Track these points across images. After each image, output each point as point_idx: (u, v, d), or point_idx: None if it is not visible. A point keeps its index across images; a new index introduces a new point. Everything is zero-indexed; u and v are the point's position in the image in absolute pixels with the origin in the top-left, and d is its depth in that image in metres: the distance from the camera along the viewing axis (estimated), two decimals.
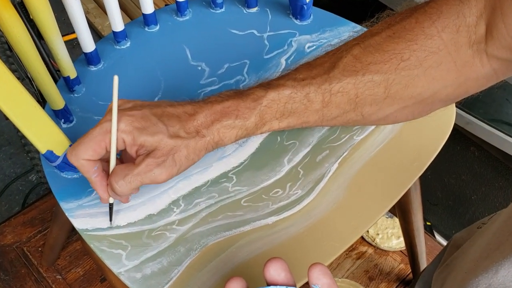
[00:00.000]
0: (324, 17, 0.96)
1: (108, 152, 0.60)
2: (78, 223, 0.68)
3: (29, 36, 0.66)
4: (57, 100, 0.75)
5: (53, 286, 1.29)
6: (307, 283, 0.43)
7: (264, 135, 0.78)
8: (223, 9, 0.97)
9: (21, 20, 0.64)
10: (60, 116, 0.77)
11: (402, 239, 1.37)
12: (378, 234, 1.40)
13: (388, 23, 0.61)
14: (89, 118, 0.79)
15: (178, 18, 0.96)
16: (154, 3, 0.91)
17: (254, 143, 0.78)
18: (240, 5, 0.98)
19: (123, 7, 2.01)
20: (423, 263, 1.26)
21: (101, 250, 0.66)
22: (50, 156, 0.68)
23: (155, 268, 0.65)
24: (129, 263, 0.65)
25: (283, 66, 0.87)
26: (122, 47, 0.90)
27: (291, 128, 0.65)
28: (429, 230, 1.56)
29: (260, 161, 0.76)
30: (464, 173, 1.53)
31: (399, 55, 0.58)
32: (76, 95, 0.82)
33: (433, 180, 1.62)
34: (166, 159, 0.58)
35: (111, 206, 0.67)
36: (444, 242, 1.54)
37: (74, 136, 0.72)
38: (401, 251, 1.41)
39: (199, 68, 0.87)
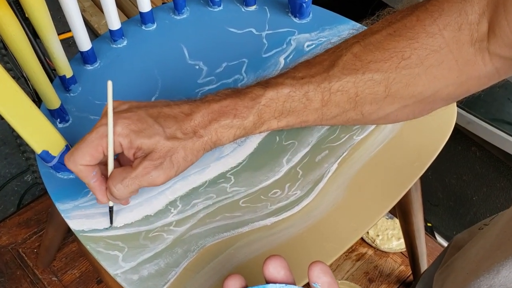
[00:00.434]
0: (324, 16, 0.96)
1: (106, 156, 0.60)
2: (74, 224, 0.68)
3: (25, 34, 0.66)
4: (53, 99, 0.75)
5: None
6: (307, 284, 0.43)
7: (263, 135, 0.78)
8: (221, 7, 0.97)
9: (17, 19, 0.64)
10: (56, 115, 0.77)
11: (402, 240, 1.38)
12: (378, 235, 1.40)
13: (388, 21, 0.61)
14: (85, 118, 0.79)
15: (175, 17, 0.96)
16: (151, 1, 0.91)
17: (253, 143, 0.78)
18: (238, 3, 0.98)
19: (119, 5, 2.01)
20: (424, 264, 1.26)
21: (98, 251, 0.66)
22: (46, 156, 0.68)
23: (152, 270, 0.65)
24: (126, 265, 0.65)
25: (282, 65, 0.87)
26: (119, 46, 0.90)
27: (290, 127, 0.65)
28: (429, 231, 1.56)
29: (259, 162, 0.76)
30: (465, 173, 1.53)
31: (399, 53, 0.58)
32: (72, 94, 0.82)
33: (434, 180, 1.62)
34: (163, 161, 0.58)
35: (111, 209, 0.67)
36: (445, 243, 1.54)
37: (70, 136, 0.72)
38: (401, 252, 1.41)
39: (197, 67, 0.87)
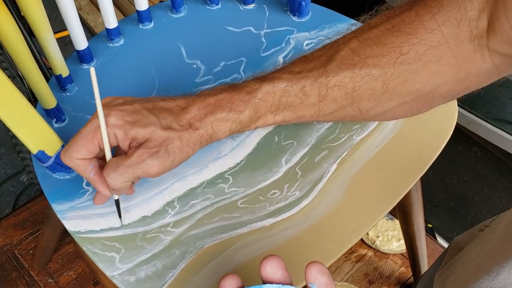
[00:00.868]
0: (323, 14, 0.96)
1: (102, 150, 0.61)
2: (71, 225, 0.68)
3: (20, 33, 0.66)
4: (49, 99, 0.75)
5: None
6: (305, 286, 0.43)
7: (261, 134, 0.78)
8: (219, 6, 0.97)
9: (12, 17, 0.64)
10: (52, 115, 0.77)
11: (402, 241, 1.38)
12: (378, 237, 1.41)
13: (387, 16, 0.61)
14: (82, 118, 0.79)
15: (173, 15, 0.96)
16: (149, 0, 0.91)
17: (251, 143, 0.78)
18: (236, 1, 0.98)
19: (116, 4, 2.01)
20: (424, 266, 1.26)
21: (94, 253, 0.66)
22: (42, 156, 0.68)
23: (149, 272, 0.65)
24: (123, 266, 0.65)
25: (280, 64, 0.86)
26: (116, 44, 0.90)
27: (287, 122, 0.65)
28: (430, 232, 1.56)
29: (257, 162, 0.76)
30: (466, 173, 1.53)
31: (398, 48, 0.58)
32: (68, 94, 0.82)
33: (434, 181, 1.63)
34: (159, 150, 0.58)
35: (117, 202, 0.67)
36: (446, 245, 1.54)
37: (66, 136, 0.72)
38: (401, 254, 1.41)
39: (195, 66, 0.87)
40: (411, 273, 1.35)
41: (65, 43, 1.91)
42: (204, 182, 0.74)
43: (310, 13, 0.95)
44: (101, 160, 0.63)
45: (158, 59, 0.88)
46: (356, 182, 0.75)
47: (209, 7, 0.97)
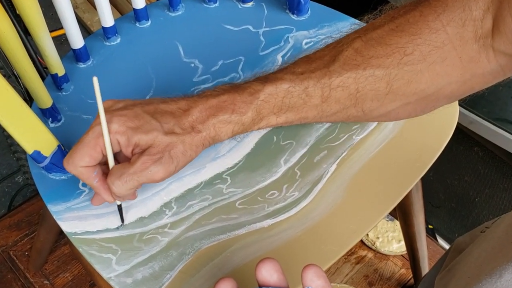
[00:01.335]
0: (322, 12, 0.96)
1: (105, 156, 0.61)
2: (67, 226, 0.68)
3: (16, 32, 0.66)
4: (45, 98, 0.75)
5: None
6: None
7: (260, 134, 0.78)
8: (217, 4, 0.97)
9: (7, 15, 0.64)
10: (47, 115, 0.77)
11: (403, 243, 1.38)
12: (378, 238, 1.41)
13: (391, 16, 0.61)
14: (78, 117, 0.79)
15: (170, 13, 0.96)
16: None
17: (250, 143, 0.78)
18: None
19: (113, 2, 2.01)
20: (425, 267, 1.26)
21: (90, 254, 0.66)
22: (37, 156, 0.68)
23: (146, 273, 0.65)
24: (120, 268, 0.65)
25: (279, 63, 0.87)
26: (112, 43, 0.90)
27: (290, 124, 0.65)
28: (431, 233, 1.56)
29: (256, 162, 0.76)
30: (468, 174, 1.53)
31: (402, 49, 0.58)
32: (64, 93, 0.82)
33: (435, 181, 1.63)
34: (162, 156, 0.58)
35: (119, 207, 0.67)
36: (447, 246, 1.55)
37: (62, 136, 0.72)
38: (402, 255, 1.41)
39: (192, 65, 0.87)
40: (412, 275, 1.35)
41: (61, 42, 1.90)
42: (201, 182, 0.74)
43: (309, 12, 0.95)
44: (104, 166, 0.63)
45: (155, 58, 0.88)
46: (355, 182, 0.75)
47: (207, 6, 0.97)
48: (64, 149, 0.71)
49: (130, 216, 0.69)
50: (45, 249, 1.21)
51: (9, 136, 1.46)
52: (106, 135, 0.58)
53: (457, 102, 0.83)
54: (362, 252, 1.42)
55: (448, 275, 0.74)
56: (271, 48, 0.89)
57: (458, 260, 0.74)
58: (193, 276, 0.65)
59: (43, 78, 0.77)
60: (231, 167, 0.75)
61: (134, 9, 0.91)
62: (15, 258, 1.33)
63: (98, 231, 0.68)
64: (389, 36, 0.59)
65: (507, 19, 0.53)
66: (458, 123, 0.82)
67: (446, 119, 0.82)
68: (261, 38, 0.91)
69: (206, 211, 0.71)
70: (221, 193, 0.73)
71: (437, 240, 1.55)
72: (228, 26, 0.93)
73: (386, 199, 0.74)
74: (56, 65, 0.79)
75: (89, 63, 0.87)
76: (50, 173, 0.72)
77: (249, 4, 0.97)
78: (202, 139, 0.61)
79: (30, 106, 0.67)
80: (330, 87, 0.61)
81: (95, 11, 2.10)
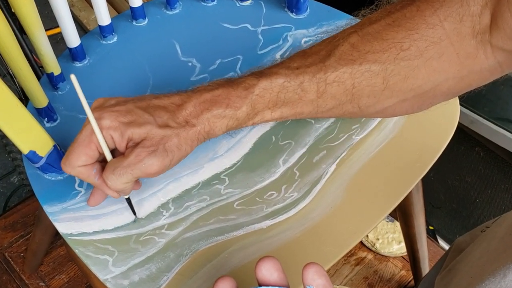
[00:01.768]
0: (321, 11, 0.96)
1: (102, 153, 0.61)
2: (62, 228, 0.68)
3: (11, 30, 0.66)
4: (40, 98, 0.75)
5: None
6: None
7: (258, 134, 0.78)
8: (214, 2, 0.97)
9: (3, 14, 0.64)
10: (43, 114, 0.77)
11: (403, 244, 1.38)
12: (378, 239, 1.41)
13: (388, 10, 0.61)
14: (74, 117, 0.79)
15: (167, 12, 0.96)
16: None
17: (248, 143, 0.78)
18: None
19: (109, 0, 2.01)
20: (425, 269, 1.26)
21: (87, 255, 0.66)
22: (33, 156, 0.68)
23: (143, 275, 0.65)
24: (116, 270, 0.65)
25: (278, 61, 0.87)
26: (109, 42, 0.90)
27: (285, 119, 0.65)
28: (431, 234, 1.56)
29: (254, 162, 0.76)
30: (469, 174, 1.53)
31: (398, 44, 0.58)
32: (60, 92, 0.82)
33: (436, 182, 1.63)
34: (156, 148, 0.58)
35: (128, 200, 0.67)
36: (448, 247, 1.54)
37: (58, 136, 0.72)
38: (402, 256, 1.42)
39: (190, 64, 0.87)
40: (412, 277, 1.35)
41: (57, 41, 1.89)
42: (199, 183, 0.74)
43: (308, 10, 0.95)
44: (104, 163, 0.63)
45: (152, 57, 0.88)
46: (355, 183, 0.75)
47: (205, 4, 0.97)
48: (60, 149, 0.71)
49: (127, 217, 0.69)
50: (40, 250, 1.21)
51: (4, 136, 1.46)
52: (98, 132, 0.58)
53: (458, 102, 0.83)
54: (362, 254, 1.42)
55: (449, 275, 0.74)
56: (270, 47, 0.89)
57: (459, 260, 0.74)
58: (190, 278, 0.65)
59: (38, 77, 0.76)
60: (229, 168, 0.75)
61: (131, 7, 0.91)
62: (10, 259, 1.33)
63: (95, 232, 0.68)
64: (385, 31, 0.59)
65: (505, 14, 0.53)
66: (459, 123, 0.82)
67: (447, 119, 0.82)
68: (260, 36, 0.91)
69: (203, 212, 0.71)
70: (219, 194, 0.73)
71: (437, 241, 1.55)
72: (226, 25, 0.93)
73: (386, 199, 0.74)
74: (52, 64, 0.79)
75: (86, 62, 0.87)
76: (46, 173, 0.72)
77: (247, 2, 0.97)
78: (197, 134, 0.61)
79: (26, 106, 0.67)
80: (325, 82, 0.61)
81: (91, 9, 2.10)
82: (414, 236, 1.13)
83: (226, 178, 0.74)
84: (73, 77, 0.58)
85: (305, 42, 0.90)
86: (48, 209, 0.70)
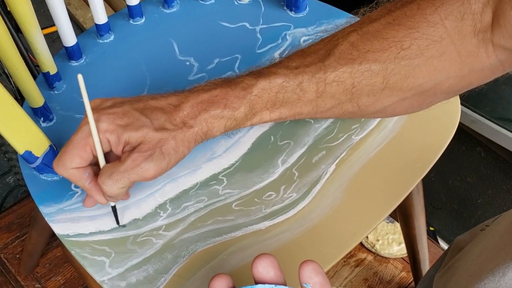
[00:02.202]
0: (321, 9, 0.96)
1: (96, 157, 0.61)
2: (59, 228, 0.68)
3: (6, 29, 0.66)
4: (36, 97, 0.75)
5: None
6: None
7: (257, 134, 0.78)
8: (212, 0, 0.97)
9: None
10: (39, 114, 0.77)
11: (403, 245, 1.38)
12: (378, 240, 1.41)
13: (388, 8, 0.61)
14: (70, 117, 0.79)
15: (165, 10, 0.96)
16: None
17: (246, 143, 0.78)
18: None
19: None
20: (426, 270, 1.26)
21: (83, 257, 0.66)
22: (29, 157, 0.68)
23: (140, 276, 0.65)
24: (113, 271, 0.65)
25: (276, 60, 0.87)
26: (105, 40, 0.90)
27: (284, 119, 0.65)
28: (432, 235, 1.56)
29: (253, 162, 0.76)
30: (470, 174, 1.53)
31: (399, 43, 0.58)
32: (56, 92, 0.82)
33: (436, 182, 1.63)
34: (153, 153, 0.58)
35: (114, 209, 0.67)
36: None
37: (54, 136, 0.72)
38: (402, 258, 1.42)
39: (188, 63, 0.87)
40: (412, 278, 1.35)
41: (53, 39, 1.90)
42: (197, 183, 0.74)
43: (307, 8, 0.95)
44: (95, 166, 0.63)
45: (149, 56, 0.88)
46: (355, 183, 0.75)
47: (203, 2, 0.97)
48: (56, 149, 0.71)
49: (124, 218, 0.69)
50: (36, 251, 1.21)
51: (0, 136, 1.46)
52: (95, 135, 0.58)
53: (459, 101, 0.83)
54: (362, 255, 1.42)
55: (447, 273, 0.74)
56: (269, 46, 0.89)
57: (458, 258, 0.74)
58: (188, 279, 0.65)
59: (34, 77, 0.76)
60: (227, 168, 0.75)
61: (128, 5, 0.91)
62: (5, 261, 1.33)
63: (91, 233, 0.68)
64: (385, 29, 0.59)
65: (507, 12, 0.53)
66: (460, 123, 0.82)
67: (448, 118, 0.82)
68: (258, 35, 0.91)
69: (201, 212, 0.71)
70: (217, 195, 0.73)
71: (438, 243, 1.55)
72: (224, 23, 0.93)
73: (386, 200, 0.74)
74: (48, 63, 0.79)
75: (82, 61, 0.87)
76: (42, 173, 0.72)
77: (246, 1, 0.97)
78: (194, 135, 0.61)
79: (21, 105, 0.67)
80: (325, 82, 0.61)
81: (88, 8, 2.10)
82: (415, 237, 1.13)
83: (224, 179, 0.74)
84: (79, 77, 0.58)
85: (304, 41, 0.90)
86: (44, 210, 0.70)
